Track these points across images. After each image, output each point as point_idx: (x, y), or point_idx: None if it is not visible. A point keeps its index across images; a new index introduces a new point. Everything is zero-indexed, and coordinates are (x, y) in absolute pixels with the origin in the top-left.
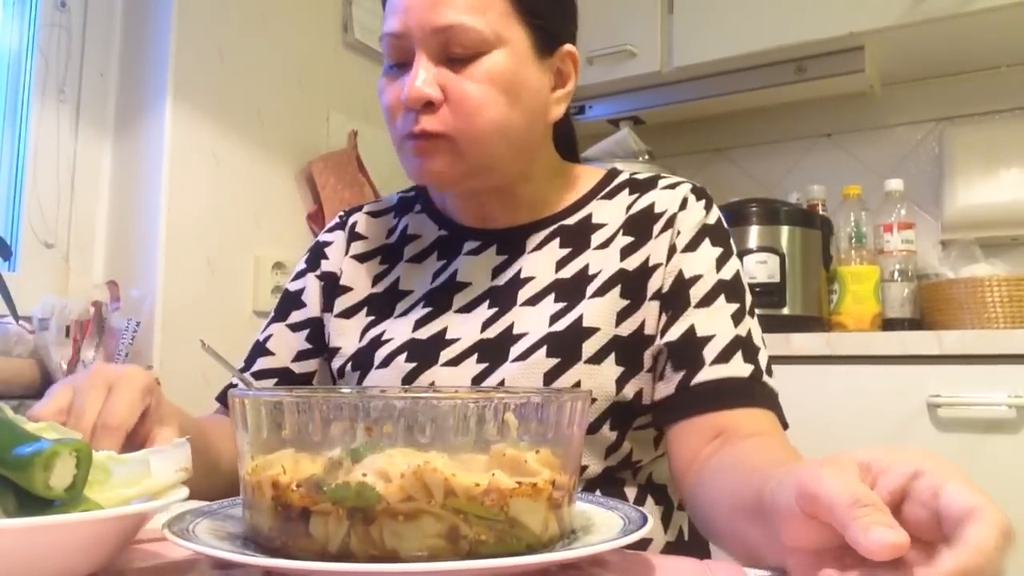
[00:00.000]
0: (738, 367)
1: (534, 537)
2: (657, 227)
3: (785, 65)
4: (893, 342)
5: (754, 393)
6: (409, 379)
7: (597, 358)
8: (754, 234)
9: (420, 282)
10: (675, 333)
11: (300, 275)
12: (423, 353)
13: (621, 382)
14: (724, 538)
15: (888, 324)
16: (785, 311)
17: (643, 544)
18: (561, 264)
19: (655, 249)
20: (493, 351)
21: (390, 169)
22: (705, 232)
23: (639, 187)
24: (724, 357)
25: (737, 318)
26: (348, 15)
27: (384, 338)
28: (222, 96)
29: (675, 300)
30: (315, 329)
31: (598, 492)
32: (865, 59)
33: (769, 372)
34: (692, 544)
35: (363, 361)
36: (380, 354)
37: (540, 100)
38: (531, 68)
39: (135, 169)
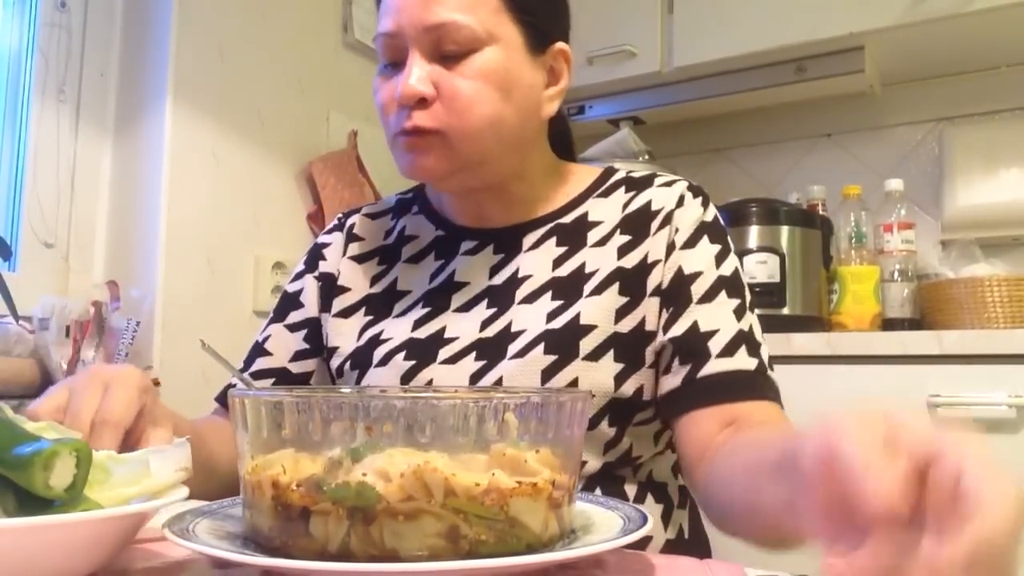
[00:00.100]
0: (743, 360)
1: (534, 537)
2: (654, 224)
3: (785, 65)
4: (893, 342)
5: (760, 386)
6: (407, 377)
7: (595, 355)
8: (754, 234)
9: (418, 282)
10: (679, 329)
11: (298, 276)
12: (422, 352)
13: (620, 379)
14: (740, 514)
15: (888, 324)
16: (785, 311)
17: (643, 543)
18: (558, 262)
19: (653, 246)
20: (491, 349)
21: (390, 169)
22: (703, 229)
23: (635, 185)
24: (729, 351)
25: (739, 313)
26: (348, 15)
27: (383, 337)
28: (222, 96)
29: (676, 296)
30: (312, 329)
31: (598, 490)
32: (865, 59)
33: (771, 368)
34: (692, 542)
35: (362, 360)
36: (379, 353)
37: (533, 97)
38: (523, 65)
39: (135, 169)
